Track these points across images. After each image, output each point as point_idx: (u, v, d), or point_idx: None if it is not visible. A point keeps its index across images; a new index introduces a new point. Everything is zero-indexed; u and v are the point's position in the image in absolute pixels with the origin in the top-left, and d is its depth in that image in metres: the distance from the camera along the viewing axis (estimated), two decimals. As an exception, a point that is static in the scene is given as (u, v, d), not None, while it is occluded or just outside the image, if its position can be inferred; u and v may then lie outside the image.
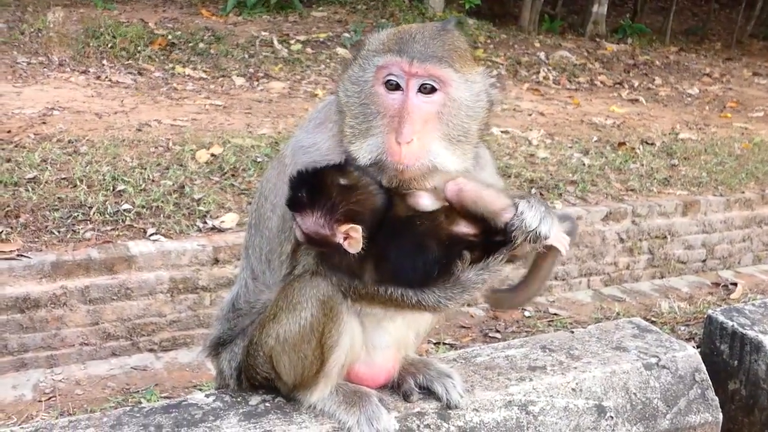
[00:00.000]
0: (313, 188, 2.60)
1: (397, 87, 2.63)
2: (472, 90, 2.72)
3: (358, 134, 2.68)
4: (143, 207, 6.81)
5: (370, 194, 2.64)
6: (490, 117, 2.86)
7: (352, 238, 2.57)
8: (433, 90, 2.63)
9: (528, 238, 2.60)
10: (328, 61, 13.40)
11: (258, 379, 2.98)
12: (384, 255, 2.63)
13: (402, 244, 2.64)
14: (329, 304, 2.67)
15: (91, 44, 12.29)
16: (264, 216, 2.91)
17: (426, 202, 2.70)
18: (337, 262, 2.65)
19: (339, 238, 2.59)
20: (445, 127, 2.67)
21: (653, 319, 6.81)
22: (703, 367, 3.64)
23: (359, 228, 2.57)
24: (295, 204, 2.62)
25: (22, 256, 5.95)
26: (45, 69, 11.32)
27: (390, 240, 2.63)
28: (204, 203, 7.02)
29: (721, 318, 4.12)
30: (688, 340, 5.82)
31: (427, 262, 2.62)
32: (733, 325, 4.05)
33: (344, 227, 2.57)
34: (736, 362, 4.03)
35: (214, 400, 2.98)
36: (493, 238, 2.65)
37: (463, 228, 2.66)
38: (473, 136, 2.75)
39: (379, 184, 2.67)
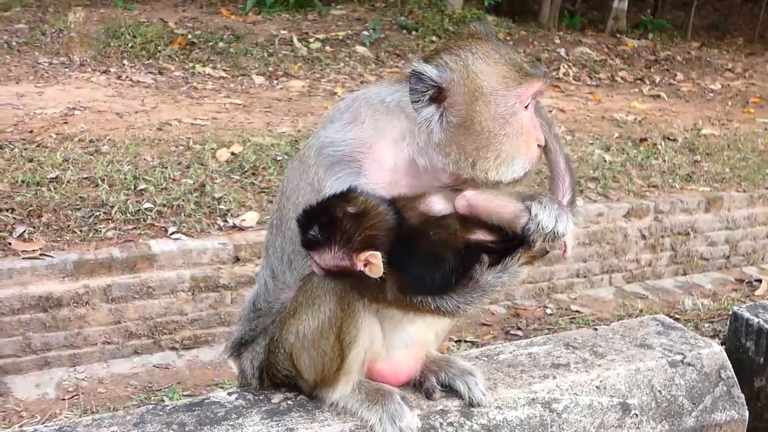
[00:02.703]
0: (324, 224, 2.57)
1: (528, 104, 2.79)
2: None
3: (504, 159, 2.75)
4: (164, 206, 6.84)
5: (382, 215, 2.61)
6: None
7: (372, 264, 2.55)
8: None
9: (546, 238, 2.59)
10: (347, 59, 13.40)
11: (279, 377, 2.97)
12: (402, 269, 2.59)
13: (418, 256, 2.60)
14: (346, 299, 2.65)
15: (111, 44, 12.36)
16: (286, 217, 2.89)
17: (438, 207, 2.69)
18: (357, 284, 2.63)
19: (359, 267, 2.56)
20: None
21: (677, 316, 6.76)
22: (729, 365, 3.60)
23: (378, 254, 2.54)
24: (310, 243, 2.59)
25: (44, 255, 5.98)
26: (66, 69, 11.40)
27: (406, 253, 2.60)
28: (225, 202, 7.03)
29: (746, 314, 4.07)
30: (712, 337, 5.78)
31: (444, 273, 2.59)
32: (759, 322, 3.99)
33: (363, 255, 2.54)
34: (762, 359, 3.97)
35: (236, 399, 2.97)
36: (511, 242, 2.63)
37: (480, 236, 2.64)
38: None
39: (385, 200, 2.64)
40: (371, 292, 2.63)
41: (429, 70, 2.66)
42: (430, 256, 2.59)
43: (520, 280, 2.84)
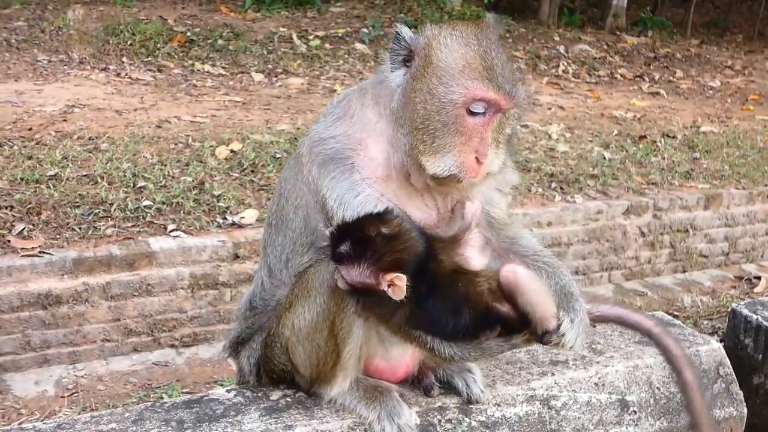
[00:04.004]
0: (356, 240, 2.59)
1: (480, 112, 2.68)
2: (522, 101, 2.79)
3: (433, 149, 2.68)
4: (163, 203, 6.83)
5: (413, 241, 2.64)
6: (522, 117, 2.96)
7: (396, 286, 2.56)
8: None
9: (558, 345, 2.69)
10: (346, 56, 13.39)
11: (276, 372, 2.97)
12: (420, 304, 2.62)
13: (440, 300, 2.63)
14: (339, 293, 2.66)
15: (110, 42, 12.35)
16: (286, 217, 2.89)
17: (475, 262, 2.72)
18: (374, 303, 2.65)
19: (383, 286, 2.58)
20: (499, 137, 2.76)
21: (676, 313, 6.76)
22: (728, 362, 3.61)
23: (404, 277, 2.56)
24: (340, 257, 2.61)
25: (44, 252, 5.98)
26: (65, 67, 11.39)
27: (429, 290, 2.63)
28: (224, 199, 7.03)
29: (745, 311, 4.08)
30: (711, 334, 5.78)
31: (459, 324, 2.63)
32: (757, 319, 4.00)
33: (389, 276, 2.57)
34: (760, 356, 3.98)
35: (235, 396, 2.98)
36: (527, 326, 2.66)
37: (504, 309, 2.65)
38: (507, 136, 2.83)
39: (418, 227, 2.69)
40: (383, 314, 2.66)
41: (405, 32, 2.72)
42: (452, 304, 2.63)
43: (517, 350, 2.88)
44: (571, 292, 2.83)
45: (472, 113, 2.66)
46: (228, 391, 3.03)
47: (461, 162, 2.67)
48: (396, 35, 2.73)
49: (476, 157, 2.68)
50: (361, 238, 2.59)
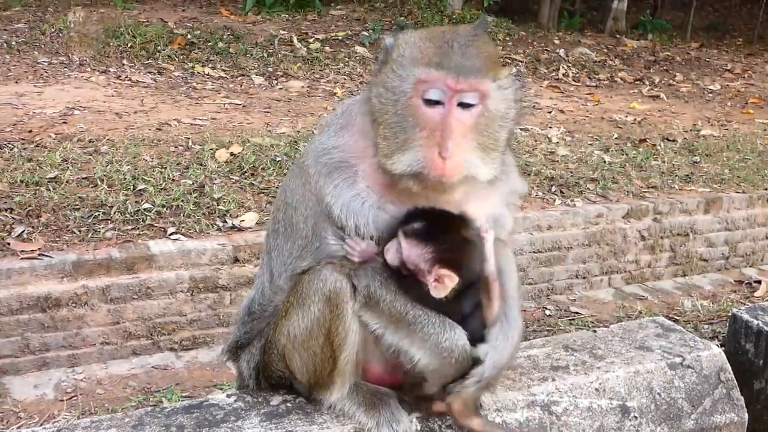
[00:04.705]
0: (434, 226, 2.62)
1: (437, 101, 2.58)
2: (506, 97, 2.68)
3: (395, 147, 2.62)
4: (163, 206, 6.83)
5: (478, 256, 2.70)
6: (519, 121, 2.85)
7: (444, 284, 2.59)
8: (472, 104, 2.60)
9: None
10: (346, 59, 13.40)
11: (275, 378, 2.97)
12: (447, 310, 2.68)
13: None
14: (335, 300, 2.65)
15: (111, 44, 12.36)
16: (296, 226, 2.84)
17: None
18: (406, 287, 2.67)
19: (431, 278, 2.60)
20: (480, 137, 2.63)
21: (676, 317, 6.75)
22: (728, 367, 3.60)
23: (456, 280, 2.60)
24: (410, 232, 2.61)
25: (43, 255, 5.97)
26: (66, 69, 11.40)
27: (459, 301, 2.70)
28: (224, 202, 7.03)
29: (746, 316, 4.08)
30: (711, 338, 5.77)
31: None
32: (758, 324, 4.00)
33: (444, 272, 2.59)
34: (761, 361, 3.98)
35: (235, 401, 2.97)
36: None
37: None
38: (503, 143, 2.72)
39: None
40: (401, 300, 2.66)
41: (387, 40, 2.72)
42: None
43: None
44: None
45: (428, 103, 2.58)
46: (228, 396, 3.02)
47: (422, 157, 2.57)
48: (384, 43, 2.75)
49: (440, 154, 2.55)
50: (441, 227, 2.63)
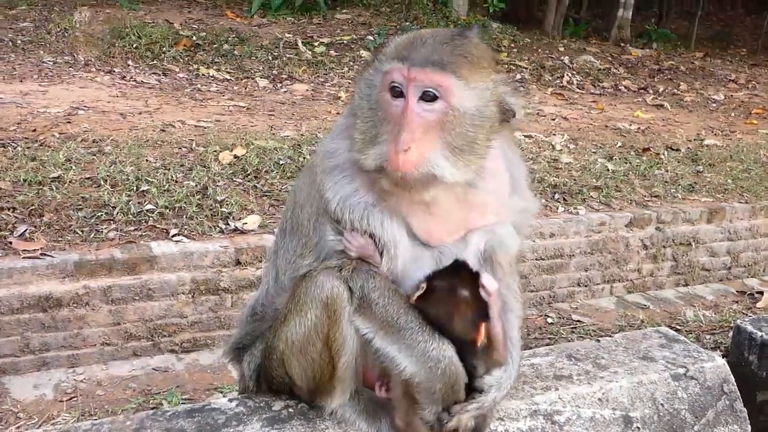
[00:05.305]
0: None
1: (401, 94, 2.57)
2: (479, 98, 2.61)
3: (367, 140, 2.63)
4: (166, 208, 6.82)
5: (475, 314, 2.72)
6: (508, 127, 2.79)
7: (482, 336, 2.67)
8: (434, 98, 2.55)
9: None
10: (351, 63, 13.40)
11: (275, 383, 2.97)
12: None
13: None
14: (332, 306, 2.65)
15: (116, 44, 12.36)
16: (301, 223, 2.88)
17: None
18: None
19: (480, 336, 2.68)
20: (447, 137, 2.57)
21: (678, 327, 6.74)
22: (732, 378, 3.59)
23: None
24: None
25: (45, 255, 5.96)
26: (71, 68, 11.40)
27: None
28: (227, 205, 7.02)
29: (749, 328, 4.07)
30: (713, 348, 5.75)
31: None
32: (762, 336, 3.99)
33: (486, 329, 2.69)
34: (764, 373, 3.97)
35: (237, 405, 2.96)
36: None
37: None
38: (480, 147, 2.65)
39: None
40: (395, 306, 2.67)
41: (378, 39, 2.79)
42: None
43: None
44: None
45: (393, 96, 2.58)
46: (230, 400, 3.02)
47: (383, 151, 2.58)
48: None
49: (394, 144, 2.53)
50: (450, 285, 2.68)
